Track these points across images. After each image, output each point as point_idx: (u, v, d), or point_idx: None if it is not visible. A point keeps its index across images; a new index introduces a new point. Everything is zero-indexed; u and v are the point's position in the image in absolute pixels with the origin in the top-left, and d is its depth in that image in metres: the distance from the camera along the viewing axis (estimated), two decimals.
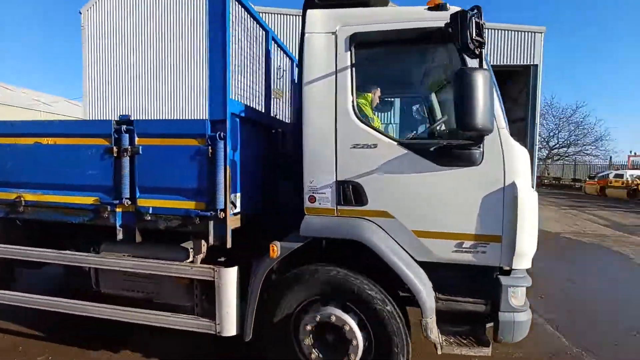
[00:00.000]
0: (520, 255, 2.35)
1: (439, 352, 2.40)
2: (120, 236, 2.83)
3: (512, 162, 2.34)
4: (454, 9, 2.44)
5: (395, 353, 2.40)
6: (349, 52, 2.55)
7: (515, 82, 14.09)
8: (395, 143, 2.49)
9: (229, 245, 2.62)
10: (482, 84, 1.95)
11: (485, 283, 2.46)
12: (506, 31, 12.90)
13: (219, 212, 2.56)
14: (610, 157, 30.37)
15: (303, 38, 2.68)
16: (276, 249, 2.49)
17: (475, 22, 1.95)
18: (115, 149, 2.73)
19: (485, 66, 2.06)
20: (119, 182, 2.74)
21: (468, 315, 2.51)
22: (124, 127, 2.74)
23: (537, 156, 35.14)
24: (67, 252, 3.02)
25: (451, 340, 2.45)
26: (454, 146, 2.35)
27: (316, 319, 2.44)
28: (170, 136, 2.69)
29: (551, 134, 33.49)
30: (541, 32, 13.05)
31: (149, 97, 13.00)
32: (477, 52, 1.99)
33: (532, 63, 13.03)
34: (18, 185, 3.02)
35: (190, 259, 2.88)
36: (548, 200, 17.50)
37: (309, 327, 2.48)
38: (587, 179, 23.72)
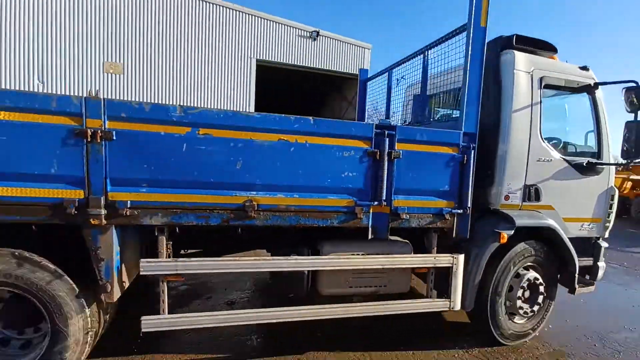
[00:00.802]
0: (608, 229, 3.95)
1: (575, 294, 3.79)
2: (370, 235, 2.94)
3: (612, 172, 3.87)
4: (591, 71, 3.74)
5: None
6: (539, 90, 3.49)
7: (350, 87, 16.44)
8: (561, 159, 3.63)
9: (468, 236, 3.20)
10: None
11: (588, 247, 3.96)
12: (343, 43, 15.41)
13: (466, 209, 3.11)
14: None
15: (496, 69, 3.45)
16: (505, 236, 3.27)
17: None
18: (377, 153, 2.82)
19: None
20: (377, 184, 2.86)
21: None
22: (386, 131, 2.84)
23: None
24: (326, 257, 2.85)
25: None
26: (596, 163, 3.69)
27: (530, 280, 3.49)
28: (429, 143, 2.99)
29: None
30: (368, 48, 16.02)
31: None
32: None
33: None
34: (248, 188, 2.61)
35: (411, 250, 3.28)
36: None
37: (522, 287, 3.48)
38: None
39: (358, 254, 3.04)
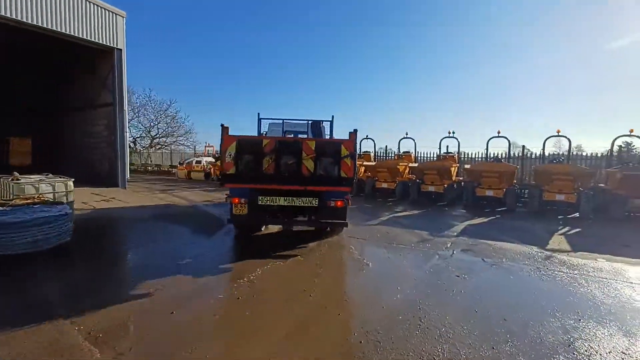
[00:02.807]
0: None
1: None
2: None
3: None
4: None
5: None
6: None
7: (103, 63, 14.08)
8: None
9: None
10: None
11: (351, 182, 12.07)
12: (87, 1, 12.21)
13: (357, 176, 10.01)
14: (195, 147, 36.53)
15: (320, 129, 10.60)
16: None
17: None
18: (350, 159, 9.09)
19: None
20: (354, 170, 9.14)
21: None
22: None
23: (140, 144, 39.11)
24: None
25: None
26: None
27: None
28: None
29: (152, 124, 38.56)
30: (122, 16, 13.50)
31: None
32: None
33: (116, 46, 13.38)
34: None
35: None
36: (142, 186, 17.65)
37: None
38: (179, 165, 25.74)
39: None
